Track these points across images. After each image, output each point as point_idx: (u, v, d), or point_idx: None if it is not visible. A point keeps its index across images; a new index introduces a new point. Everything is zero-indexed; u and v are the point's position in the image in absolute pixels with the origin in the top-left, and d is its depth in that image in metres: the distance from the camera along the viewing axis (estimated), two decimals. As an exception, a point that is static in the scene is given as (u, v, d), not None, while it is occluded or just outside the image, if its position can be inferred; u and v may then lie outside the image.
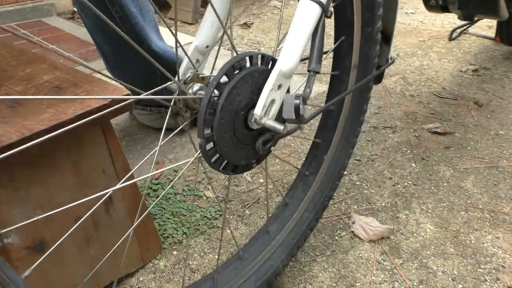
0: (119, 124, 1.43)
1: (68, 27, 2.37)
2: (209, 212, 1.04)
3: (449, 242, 0.95)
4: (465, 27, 2.12)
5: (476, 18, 2.05)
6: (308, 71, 0.60)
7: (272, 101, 0.57)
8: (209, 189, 1.12)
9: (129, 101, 0.55)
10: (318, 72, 0.60)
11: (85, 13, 1.14)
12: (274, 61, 0.61)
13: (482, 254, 0.92)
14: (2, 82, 0.70)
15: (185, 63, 0.67)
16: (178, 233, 0.98)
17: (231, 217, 1.04)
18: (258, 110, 0.56)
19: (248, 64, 0.58)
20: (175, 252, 0.93)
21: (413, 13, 2.56)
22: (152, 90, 0.57)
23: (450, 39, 2.12)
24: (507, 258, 0.91)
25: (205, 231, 0.99)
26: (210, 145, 0.57)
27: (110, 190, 0.57)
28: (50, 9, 2.58)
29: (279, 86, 0.57)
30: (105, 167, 0.74)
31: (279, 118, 0.60)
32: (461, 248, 0.94)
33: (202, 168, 1.21)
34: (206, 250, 0.94)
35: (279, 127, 0.56)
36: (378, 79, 0.89)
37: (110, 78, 0.54)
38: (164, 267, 0.90)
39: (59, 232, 0.69)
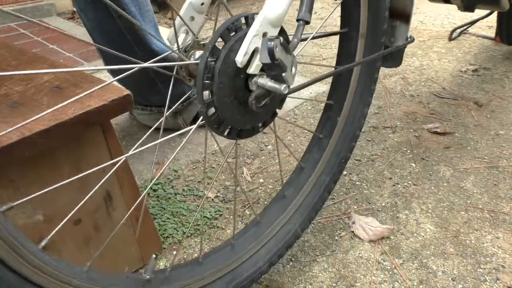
0: (119, 124, 1.43)
1: (68, 27, 2.38)
2: (209, 212, 1.04)
3: (449, 242, 0.95)
4: (465, 27, 2.12)
5: (476, 19, 2.05)
6: (297, 20, 0.58)
7: (256, 50, 0.54)
8: (209, 189, 1.12)
9: (133, 70, 0.54)
10: (307, 22, 0.58)
11: (85, 13, 1.14)
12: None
13: (482, 254, 0.92)
14: (2, 82, 0.70)
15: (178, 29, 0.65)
16: (178, 233, 0.98)
17: (231, 217, 1.04)
18: (239, 57, 0.53)
19: (244, 26, 0.56)
20: (175, 252, 0.93)
21: (413, 13, 2.56)
22: (153, 59, 0.56)
23: (450, 39, 2.12)
24: (507, 258, 0.91)
25: (205, 231, 0.99)
26: (212, 111, 0.56)
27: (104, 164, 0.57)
28: (50, 9, 2.58)
29: (264, 34, 0.55)
30: (105, 167, 0.74)
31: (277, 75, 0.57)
32: (461, 248, 0.94)
33: (202, 168, 1.21)
34: (206, 250, 0.94)
35: (279, 87, 0.54)
36: (398, 60, 0.87)
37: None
38: (164, 267, 0.90)
39: (59, 233, 0.69)
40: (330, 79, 0.85)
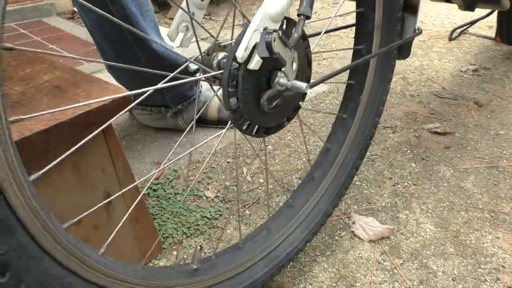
0: (119, 124, 1.43)
1: (68, 27, 2.37)
2: (209, 212, 1.04)
3: (449, 242, 0.95)
4: (465, 27, 2.12)
5: (476, 19, 2.05)
6: (298, 15, 0.59)
7: (256, 45, 0.55)
8: (209, 189, 1.12)
9: (149, 90, 0.55)
10: (308, 17, 0.59)
11: (86, 13, 1.14)
12: (289, 21, 0.60)
13: (482, 254, 0.92)
14: (1, 82, 0.70)
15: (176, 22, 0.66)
16: (178, 233, 0.97)
17: (231, 217, 1.04)
18: (239, 52, 0.54)
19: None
20: (175, 252, 0.93)
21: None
22: (176, 71, 0.58)
23: (450, 39, 2.12)
24: (507, 258, 0.91)
25: (205, 231, 0.99)
26: (238, 116, 0.59)
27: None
28: (50, 9, 2.58)
29: (265, 29, 0.55)
30: (105, 167, 0.74)
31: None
32: (461, 248, 0.94)
33: (202, 167, 1.21)
34: (206, 250, 0.94)
35: (300, 85, 0.57)
36: (407, 52, 0.90)
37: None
38: (164, 267, 0.90)
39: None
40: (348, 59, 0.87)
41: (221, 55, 0.63)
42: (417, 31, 0.86)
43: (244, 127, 0.61)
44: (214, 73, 0.61)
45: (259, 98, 0.60)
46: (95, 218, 0.75)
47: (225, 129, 0.67)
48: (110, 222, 0.78)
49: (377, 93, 0.90)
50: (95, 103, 0.64)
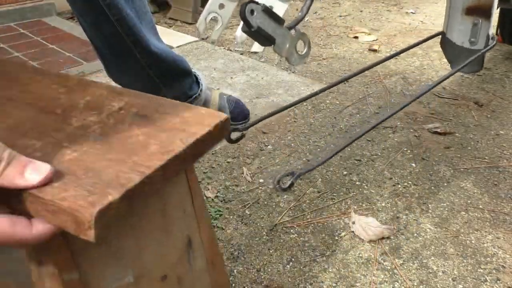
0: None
1: (68, 27, 2.37)
2: (209, 212, 1.04)
3: (449, 242, 0.95)
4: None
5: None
6: None
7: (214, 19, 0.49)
8: (209, 189, 1.12)
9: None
10: None
11: (84, 18, 1.13)
12: None
13: (482, 254, 0.92)
14: (68, 113, 0.56)
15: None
16: (178, 233, 0.97)
17: (231, 217, 1.04)
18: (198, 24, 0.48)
19: None
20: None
21: (413, 13, 2.56)
22: None
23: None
24: (508, 258, 0.91)
25: (205, 231, 0.99)
26: None
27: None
28: (50, 9, 2.58)
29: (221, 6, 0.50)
30: (185, 207, 0.59)
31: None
32: (461, 248, 0.94)
33: (202, 168, 1.21)
34: (206, 250, 0.94)
35: None
36: (479, 64, 0.71)
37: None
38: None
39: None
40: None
41: None
42: (491, 42, 0.68)
43: None
44: None
45: None
46: (178, 270, 0.61)
47: None
48: (191, 271, 0.64)
49: None
50: (197, 129, 0.50)
